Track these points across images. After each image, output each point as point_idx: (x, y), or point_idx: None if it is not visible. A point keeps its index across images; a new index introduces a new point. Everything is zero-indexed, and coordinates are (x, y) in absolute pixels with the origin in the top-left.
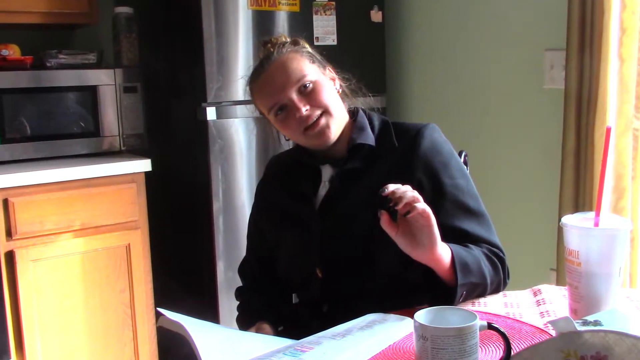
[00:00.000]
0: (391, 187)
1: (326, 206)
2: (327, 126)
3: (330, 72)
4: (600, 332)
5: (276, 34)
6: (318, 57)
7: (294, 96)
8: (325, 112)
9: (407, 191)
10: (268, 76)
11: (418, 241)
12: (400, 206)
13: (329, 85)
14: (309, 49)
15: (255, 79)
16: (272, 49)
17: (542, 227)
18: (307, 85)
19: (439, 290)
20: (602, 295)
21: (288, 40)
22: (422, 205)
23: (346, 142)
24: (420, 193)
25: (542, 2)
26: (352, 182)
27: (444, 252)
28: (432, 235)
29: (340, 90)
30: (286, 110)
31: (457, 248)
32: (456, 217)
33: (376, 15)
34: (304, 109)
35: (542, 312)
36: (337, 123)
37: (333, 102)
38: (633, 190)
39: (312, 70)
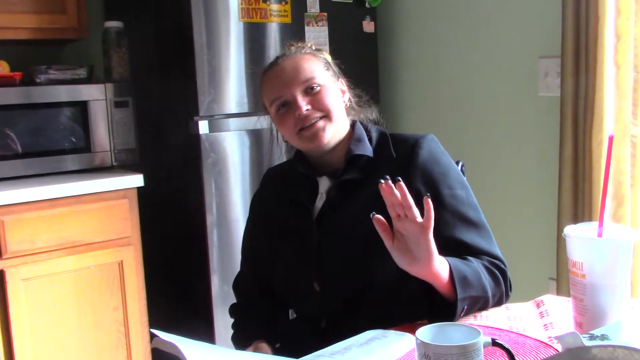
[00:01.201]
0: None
1: (323, 218)
2: (323, 129)
3: (342, 84)
4: (608, 347)
5: (268, 45)
6: (334, 67)
7: (298, 94)
8: (326, 116)
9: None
10: (279, 70)
11: (414, 256)
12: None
13: (336, 93)
14: (328, 58)
15: (267, 72)
16: (291, 48)
17: (540, 236)
18: (314, 87)
19: (438, 305)
20: (607, 307)
21: (314, 47)
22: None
23: (344, 153)
24: (418, 203)
25: (536, 10)
26: (349, 193)
27: (441, 266)
28: (428, 249)
29: (348, 104)
30: (287, 106)
31: (455, 261)
32: (456, 229)
33: (368, 26)
34: (305, 108)
35: (545, 325)
36: (335, 129)
37: (336, 109)
38: (632, 198)
39: (323, 75)
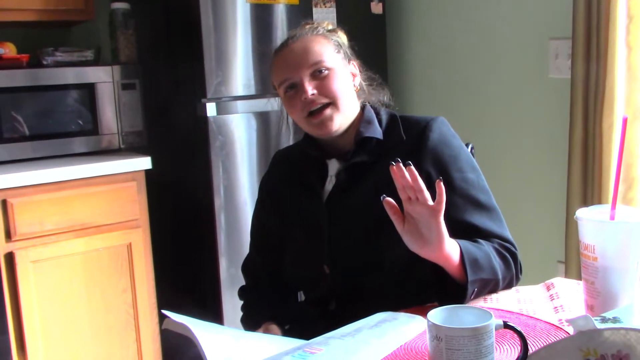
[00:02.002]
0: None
1: (333, 200)
2: (331, 118)
3: (354, 67)
4: (621, 329)
5: (275, 27)
6: (346, 49)
7: (306, 77)
8: (333, 103)
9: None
10: (288, 51)
11: (425, 239)
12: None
13: (345, 77)
14: (340, 40)
15: (277, 53)
16: (306, 27)
17: (549, 219)
18: (322, 70)
19: (449, 287)
20: (619, 290)
21: (329, 27)
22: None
23: (353, 135)
24: (429, 186)
25: None
26: (359, 176)
27: (452, 248)
28: (439, 231)
29: (359, 88)
30: (295, 89)
31: (466, 244)
32: (466, 212)
33: (377, 7)
34: (311, 93)
35: (555, 307)
36: (343, 117)
37: (343, 94)
38: None
39: (333, 58)
